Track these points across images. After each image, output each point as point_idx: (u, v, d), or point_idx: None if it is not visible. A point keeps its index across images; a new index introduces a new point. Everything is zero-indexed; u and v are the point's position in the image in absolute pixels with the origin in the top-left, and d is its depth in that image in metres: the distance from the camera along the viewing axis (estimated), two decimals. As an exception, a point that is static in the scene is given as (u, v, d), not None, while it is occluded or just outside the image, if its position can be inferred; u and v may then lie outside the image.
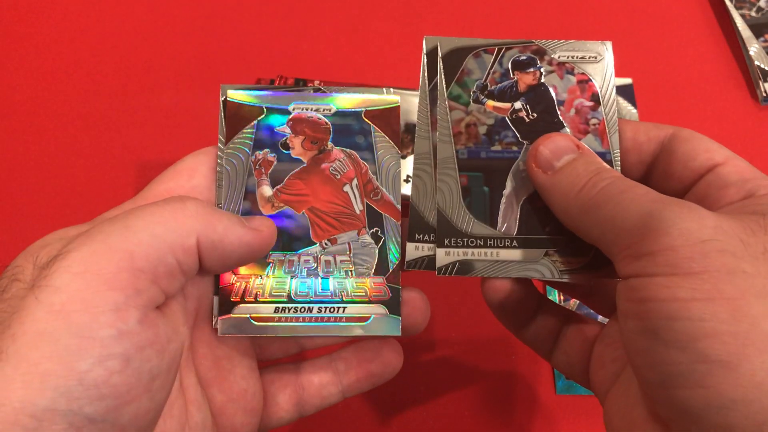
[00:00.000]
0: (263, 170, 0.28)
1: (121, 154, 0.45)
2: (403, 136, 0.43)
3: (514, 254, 0.27)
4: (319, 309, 0.26)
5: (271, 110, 0.28)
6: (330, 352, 0.29)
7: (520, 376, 0.39)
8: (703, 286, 0.18)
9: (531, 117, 0.28)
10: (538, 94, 0.29)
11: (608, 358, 0.25)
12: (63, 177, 0.44)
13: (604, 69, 0.29)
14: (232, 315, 0.26)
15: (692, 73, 0.50)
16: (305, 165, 0.28)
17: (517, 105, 0.29)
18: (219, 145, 0.28)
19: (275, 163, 0.28)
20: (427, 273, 0.27)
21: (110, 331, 0.19)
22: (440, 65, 0.29)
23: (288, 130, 0.28)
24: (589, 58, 0.29)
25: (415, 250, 0.27)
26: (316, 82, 0.45)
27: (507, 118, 0.28)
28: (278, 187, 0.28)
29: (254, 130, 0.28)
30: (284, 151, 0.28)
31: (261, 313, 0.26)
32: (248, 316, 0.26)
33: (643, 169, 0.27)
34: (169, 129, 0.46)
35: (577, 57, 0.29)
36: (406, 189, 0.41)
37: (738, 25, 0.50)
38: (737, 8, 0.51)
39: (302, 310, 0.26)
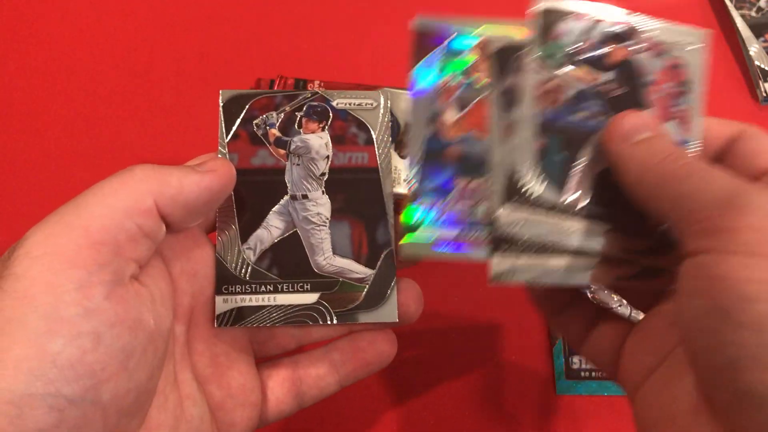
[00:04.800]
0: (449, 95, 0.27)
1: (121, 154, 0.45)
2: (403, 136, 0.43)
3: (577, 225, 0.26)
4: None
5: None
6: (325, 343, 0.29)
7: (520, 375, 0.39)
8: None
9: (618, 91, 0.27)
10: (629, 70, 0.28)
11: (643, 352, 0.25)
12: (63, 177, 0.44)
13: (697, 58, 0.28)
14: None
15: (692, 73, 0.50)
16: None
17: (606, 77, 0.28)
18: (220, 149, 0.29)
19: (461, 89, 0.27)
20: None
21: (77, 309, 0.19)
22: (537, 24, 0.29)
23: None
24: (684, 44, 0.29)
25: (508, 215, 0.26)
26: (317, 83, 0.45)
27: (594, 88, 0.27)
28: (463, 112, 0.27)
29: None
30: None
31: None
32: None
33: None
34: (169, 129, 0.46)
35: (671, 41, 0.29)
36: (406, 189, 0.41)
37: (738, 25, 0.50)
38: (737, 8, 0.51)
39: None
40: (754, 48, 0.50)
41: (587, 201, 0.26)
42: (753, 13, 0.51)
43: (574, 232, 0.26)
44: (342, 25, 0.51)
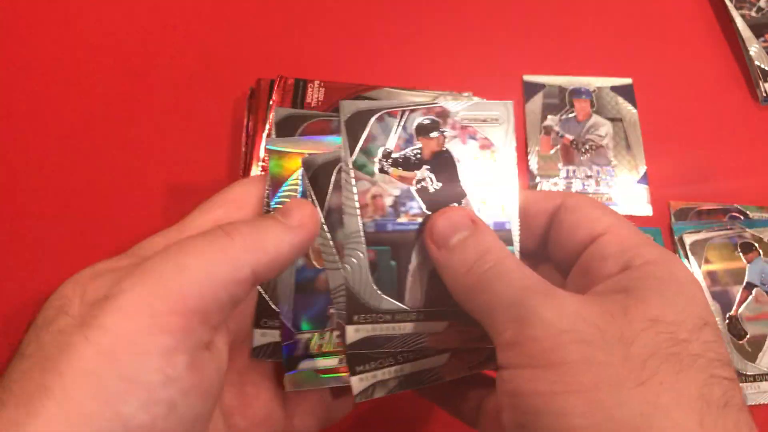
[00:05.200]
0: None
1: (121, 154, 0.45)
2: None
3: (420, 327, 0.26)
4: None
5: None
6: None
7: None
8: (562, 378, 0.19)
9: (435, 187, 0.27)
10: (441, 162, 0.27)
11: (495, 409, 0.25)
12: (63, 177, 0.44)
13: (504, 133, 0.28)
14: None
15: (692, 73, 0.50)
16: None
17: (420, 174, 0.27)
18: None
19: None
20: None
21: (158, 376, 0.19)
22: (343, 131, 0.27)
23: None
24: (491, 120, 0.28)
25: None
26: (317, 83, 0.45)
27: (412, 188, 0.27)
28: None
29: None
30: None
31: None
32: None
33: (538, 241, 0.27)
34: (170, 129, 0.46)
35: (478, 119, 0.28)
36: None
37: (738, 25, 0.50)
38: (737, 8, 0.51)
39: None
40: (754, 48, 0.50)
41: (424, 303, 0.26)
42: (753, 13, 0.51)
43: (420, 334, 0.26)
44: (342, 25, 0.51)
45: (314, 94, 0.44)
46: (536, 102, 0.48)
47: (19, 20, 0.51)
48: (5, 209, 0.44)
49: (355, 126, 0.27)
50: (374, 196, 0.27)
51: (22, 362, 0.19)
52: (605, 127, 0.47)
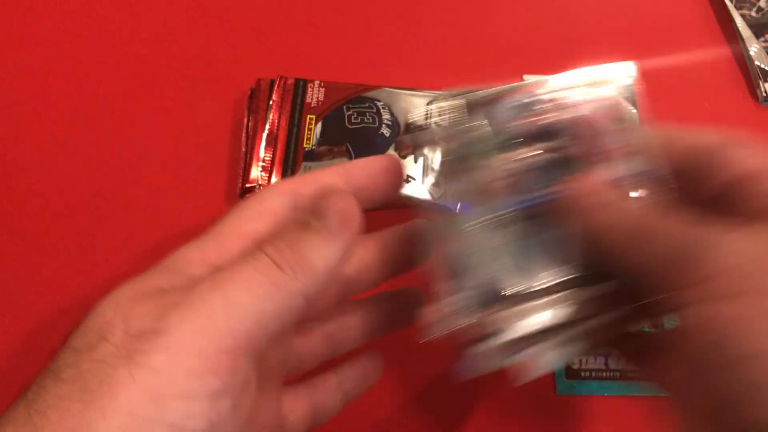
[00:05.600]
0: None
1: (121, 154, 0.45)
2: (403, 137, 0.43)
3: (561, 302, 0.25)
4: None
5: None
6: (335, 366, 0.29)
7: (520, 376, 0.39)
8: (759, 304, 0.18)
9: (563, 154, 0.27)
10: (565, 131, 0.27)
11: None
12: (63, 177, 0.44)
13: (626, 91, 0.28)
14: None
15: (692, 72, 0.50)
16: None
17: (547, 145, 0.27)
18: None
19: None
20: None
21: (203, 422, 0.19)
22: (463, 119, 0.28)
23: None
24: (612, 81, 0.29)
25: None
26: (317, 83, 0.45)
27: (538, 162, 0.27)
28: None
29: None
30: None
31: None
32: None
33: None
34: (170, 129, 0.46)
35: (599, 82, 0.29)
36: (406, 189, 0.41)
37: (738, 25, 0.50)
38: (737, 8, 0.51)
39: None
40: (754, 48, 0.50)
41: (563, 277, 0.25)
42: (753, 13, 0.51)
43: (565, 306, 0.25)
44: (342, 25, 0.51)
45: (314, 94, 0.44)
46: (536, 102, 0.48)
47: (20, 20, 0.51)
48: (5, 209, 0.44)
49: (472, 110, 0.28)
50: (503, 177, 0.26)
51: (59, 387, 0.18)
52: (605, 127, 0.47)
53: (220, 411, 0.19)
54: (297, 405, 0.27)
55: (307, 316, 0.25)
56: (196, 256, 0.22)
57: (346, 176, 0.25)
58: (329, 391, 0.28)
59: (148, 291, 0.20)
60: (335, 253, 0.22)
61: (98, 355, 0.19)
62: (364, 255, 0.27)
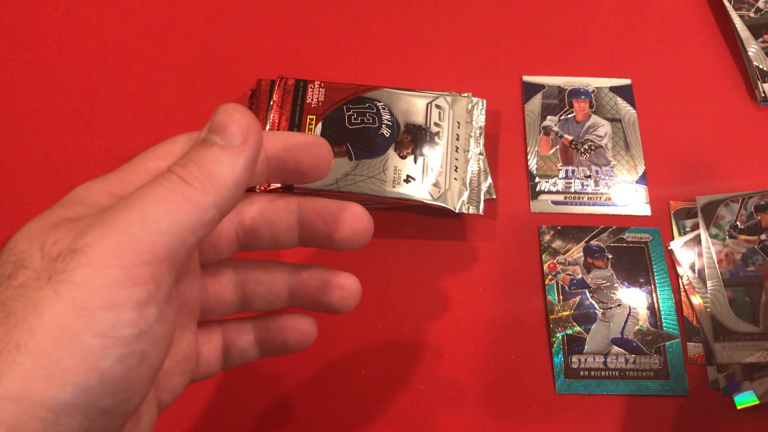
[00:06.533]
0: None
1: (121, 155, 0.46)
2: (403, 137, 0.43)
3: None
4: None
5: None
6: (255, 316, 0.29)
7: (519, 374, 0.39)
8: None
9: None
10: None
11: None
12: (63, 177, 0.45)
13: None
14: None
15: (691, 73, 0.50)
16: None
17: (763, 237, 0.41)
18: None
19: None
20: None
21: (132, 330, 0.19)
22: (700, 215, 0.43)
23: None
24: None
25: (721, 349, 0.39)
26: (317, 83, 0.45)
27: (756, 247, 0.41)
28: None
29: None
30: None
31: None
32: None
33: None
34: (170, 129, 0.47)
35: None
36: (406, 189, 0.41)
37: (737, 25, 0.51)
38: (736, 9, 0.51)
39: None
40: (752, 48, 0.50)
41: None
42: (752, 14, 0.52)
43: None
44: (342, 25, 0.51)
45: (314, 95, 0.44)
46: (535, 102, 0.48)
47: (19, 20, 0.51)
48: (6, 209, 0.44)
49: (708, 211, 0.43)
50: (726, 254, 0.41)
51: None
52: (604, 128, 0.47)
53: (147, 319, 0.19)
54: (209, 338, 0.28)
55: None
56: (99, 188, 0.23)
57: (264, 140, 0.25)
58: (242, 332, 0.28)
59: (57, 221, 0.21)
60: (241, 166, 0.22)
61: (17, 281, 0.19)
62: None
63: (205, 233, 0.21)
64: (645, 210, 0.45)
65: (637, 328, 0.40)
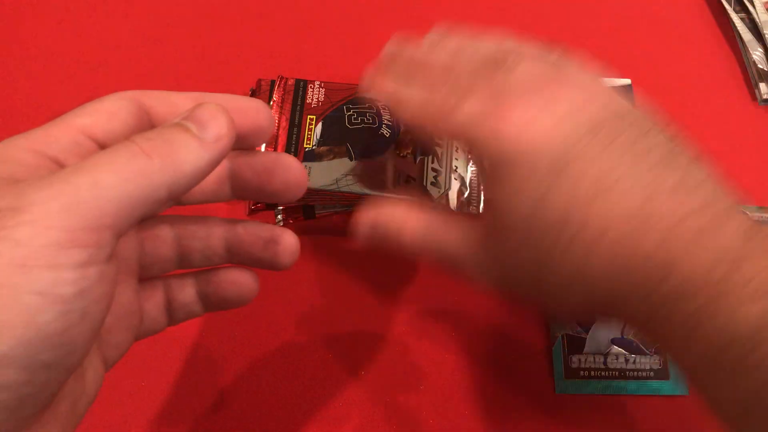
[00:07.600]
0: None
1: (122, 154, 0.46)
2: (403, 136, 0.43)
3: None
4: None
5: None
6: (196, 271, 0.29)
7: (518, 374, 0.39)
8: None
9: None
10: None
11: None
12: (63, 176, 0.45)
13: None
14: None
15: (691, 73, 0.50)
16: None
17: None
18: None
19: None
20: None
21: (73, 289, 0.19)
22: None
23: None
24: None
25: None
26: (317, 83, 0.45)
27: None
28: None
29: None
30: None
31: None
32: None
33: None
34: (170, 129, 0.47)
35: None
36: (406, 189, 0.41)
37: (737, 27, 0.51)
38: (736, 12, 0.52)
39: None
40: (753, 50, 0.50)
41: None
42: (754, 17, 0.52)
43: None
44: (342, 25, 0.51)
45: (314, 95, 0.44)
46: (536, 102, 0.48)
47: (19, 20, 0.51)
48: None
49: None
50: None
51: None
52: (604, 128, 0.47)
53: (88, 279, 0.19)
54: (152, 294, 0.28)
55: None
56: (23, 144, 0.22)
57: (198, 102, 0.25)
58: (183, 287, 0.28)
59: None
60: (205, 162, 0.22)
61: None
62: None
63: (151, 211, 0.21)
64: (645, 210, 0.45)
65: (637, 328, 0.40)
